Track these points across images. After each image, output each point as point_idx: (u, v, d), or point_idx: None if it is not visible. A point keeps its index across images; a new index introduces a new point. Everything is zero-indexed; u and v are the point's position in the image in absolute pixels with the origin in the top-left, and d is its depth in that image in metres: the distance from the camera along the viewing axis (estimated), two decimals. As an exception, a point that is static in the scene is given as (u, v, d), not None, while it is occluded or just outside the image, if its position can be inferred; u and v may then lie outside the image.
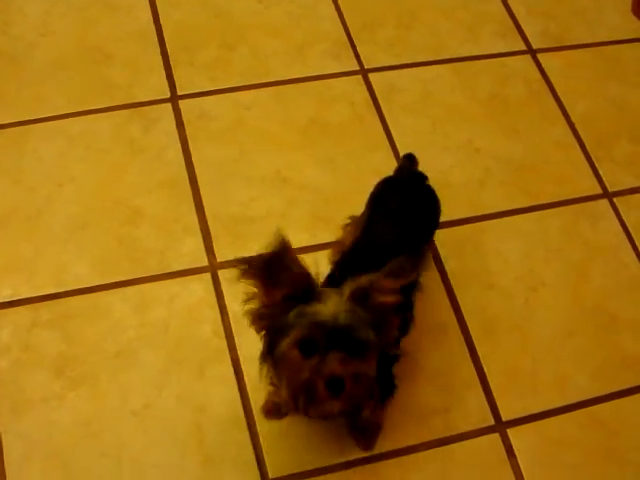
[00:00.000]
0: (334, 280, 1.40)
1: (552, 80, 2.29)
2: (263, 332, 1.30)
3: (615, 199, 2.10)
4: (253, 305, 1.26)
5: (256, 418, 1.66)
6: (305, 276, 1.24)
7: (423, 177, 1.75)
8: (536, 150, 2.15)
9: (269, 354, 1.28)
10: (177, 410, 1.66)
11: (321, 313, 1.21)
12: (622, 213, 2.07)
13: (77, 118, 2.04)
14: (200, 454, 1.62)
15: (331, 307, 1.22)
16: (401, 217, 1.60)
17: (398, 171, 1.82)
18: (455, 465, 1.66)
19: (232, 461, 1.62)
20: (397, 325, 1.29)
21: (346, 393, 1.21)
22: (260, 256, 1.21)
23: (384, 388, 1.49)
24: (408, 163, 1.82)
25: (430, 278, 1.86)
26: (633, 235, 2.04)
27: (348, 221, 1.80)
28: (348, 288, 1.23)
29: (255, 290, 1.24)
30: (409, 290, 1.44)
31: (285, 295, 1.23)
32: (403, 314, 1.35)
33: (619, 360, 1.86)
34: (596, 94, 2.30)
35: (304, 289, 1.23)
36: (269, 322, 1.27)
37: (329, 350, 1.20)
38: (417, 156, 1.84)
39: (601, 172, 2.13)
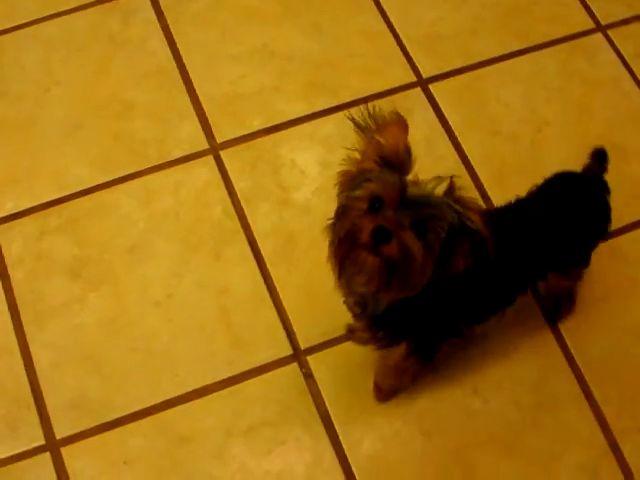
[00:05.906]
0: None
1: None
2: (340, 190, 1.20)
3: (609, 31, 2.05)
4: (347, 167, 1.19)
5: (280, 292, 1.66)
6: (407, 151, 1.15)
7: (604, 188, 1.50)
8: (523, -10, 2.10)
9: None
10: (200, 295, 1.67)
11: (406, 181, 1.12)
12: (618, 45, 2.03)
13: (52, 20, 1.98)
14: (229, 336, 1.63)
15: (419, 182, 1.13)
16: (556, 224, 1.39)
17: (586, 171, 1.55)
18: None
19: (262, 339, 1.63)
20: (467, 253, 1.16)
21: (387, 251, 1.09)
22: (378, 114, 1.15)
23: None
24: (595, 164, 1.54)
25: (434, 130, 1.86)
26: (631, 65, 2.01)
27: None
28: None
29: (357, 149, 1.17)
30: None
31: (382, 162, 1.14)
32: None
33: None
34: None
35: (401, 164, 1.14)
36: (352, 180, 1.17)
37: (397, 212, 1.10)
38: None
39: (592, 6, 2.09)
